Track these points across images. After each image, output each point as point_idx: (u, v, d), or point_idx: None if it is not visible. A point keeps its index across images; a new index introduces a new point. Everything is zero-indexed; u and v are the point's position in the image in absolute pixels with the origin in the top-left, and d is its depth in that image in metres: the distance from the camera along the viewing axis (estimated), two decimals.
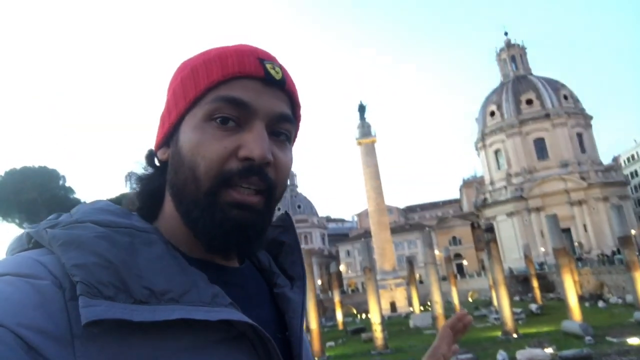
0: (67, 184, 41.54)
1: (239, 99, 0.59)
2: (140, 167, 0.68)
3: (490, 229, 20.06)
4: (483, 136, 63.30)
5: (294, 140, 0.68)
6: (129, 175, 0.68)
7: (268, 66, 0.61)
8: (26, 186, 36.67)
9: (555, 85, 60.73)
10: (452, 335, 0.84)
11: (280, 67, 0.64)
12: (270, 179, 0.59)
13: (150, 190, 0.65)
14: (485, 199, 60.74)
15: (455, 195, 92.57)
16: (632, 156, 74.99)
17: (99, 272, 0.48)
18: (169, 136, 0.64)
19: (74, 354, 0.45)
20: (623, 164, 70.84)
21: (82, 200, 41.43)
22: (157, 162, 0.67)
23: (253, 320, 0.56)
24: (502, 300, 17.07)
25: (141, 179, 0.67)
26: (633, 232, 27.88)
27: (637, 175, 72.01)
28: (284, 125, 0.63)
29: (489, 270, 21.68)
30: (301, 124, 0.71)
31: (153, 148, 0.67)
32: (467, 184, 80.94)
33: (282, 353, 0.62)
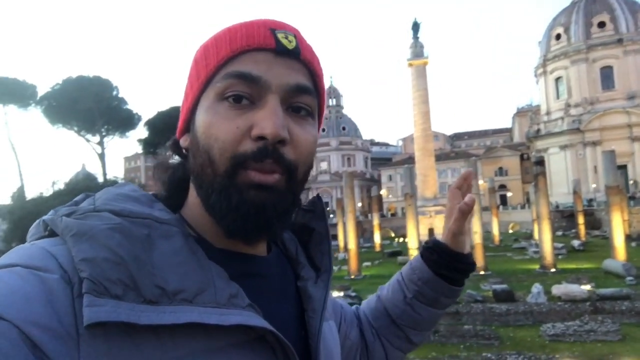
0: (119, 95, 42.75)
1: (247, 74, 0.55)
2: (166, 156, 0.66)
3: (540, 162, 19.27)
4: (545, 61, 58.93)
5: (320, 116, 0.65)
6: (157, 166, 0.67)
7: (279, 35, 0.57)
8: (83, 95, 37.99)
9: (633, 7, 54.57)
10: (460, 194, 0.85)
11: (295, 35, 0.59)
12: (286, 160, 0.56)
13: (176, 179, 0.63)
14: (538, 130, 57.98)
15: (507, 124, 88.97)
16: None
17: (108, 268, 0.46)
18: (188, 122, 0.62)
19: (79, 353, 0.43)
20: None
21: (135, 112, 42.95)
22: (182, 151, 0.64)
23: (275, 318, 0.54)
24: (544, 234, 16.83)
25: (167, 169, 0.65)
26: None
27: None
28: (302, 98, 0.58)
29: (534, 203, 21.25)
30: (325, 96, 0.66)
31: (176, 136, 0.65)
32: (520, 113, 77.41)
33: (304, 352, 0.60)
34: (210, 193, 0.56)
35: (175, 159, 0.66)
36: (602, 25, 54.21)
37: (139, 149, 44.28)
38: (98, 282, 0.45)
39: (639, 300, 10.29)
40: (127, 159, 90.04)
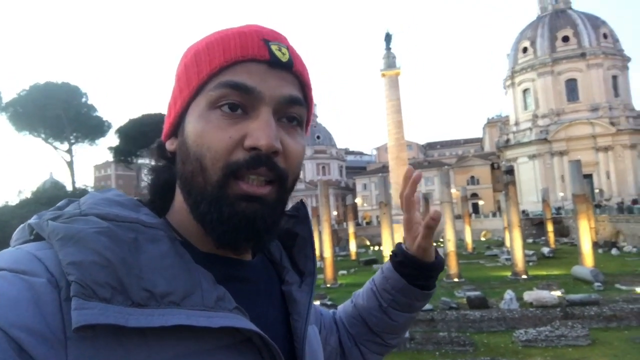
0: (89, 102, 41.75)
1: (242, 84, 0.55)
2: (151, 159, 0.66)
3: (510, 171, 19.76)
4: (513, 74, 60.57)
5: (307, 125, 0.65)
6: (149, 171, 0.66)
7: (273, 47, 0.58)
8: (51, 102, 36.92)
9: (595, 22, 56.83)
10: (415, 202, 0.81)
11: (288, 46, 0.60)
12: (279, 169, 0.56)
13: (161, 182, 0.63)
14: (508, 140, 59.43)
15: (478, 134, 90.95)
16: None
17: (95, 272, 0.46)
18: (176, 126, 0.61)
19: (67, 357, 0.43)
20: None
21: (105, 119, 42.02)
22: (168, 154, 0.64)
23: (260, 320, 0.55)
24: (515, 242, 17.19)
25: (152, 171, 0.65)
26: None
27: None
28: (294, 109, 0.59)
29: (505, 211, 21.69)
30: (313, 106, 0.66)
31: (162, 139, 0.65)
32: (490, 123, 79.17)
33: (290, 355, 0.62)
34: (199, 201, 0.56)
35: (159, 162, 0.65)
36: (566, 39, 56.17)
37: (109, 157, 43.32)
38: (86, 285, 0.45)
39: (606, 305, 10.57)
40: (97, 167, 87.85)
